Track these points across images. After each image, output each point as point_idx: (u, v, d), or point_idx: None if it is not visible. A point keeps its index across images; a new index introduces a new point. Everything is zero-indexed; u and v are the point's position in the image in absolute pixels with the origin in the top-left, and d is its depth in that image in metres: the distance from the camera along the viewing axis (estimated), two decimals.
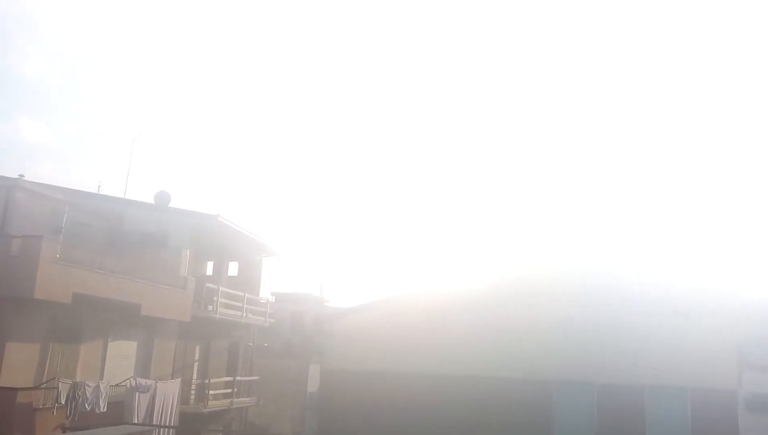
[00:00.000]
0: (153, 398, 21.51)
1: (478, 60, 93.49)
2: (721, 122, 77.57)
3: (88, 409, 18.46)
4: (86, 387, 18.49)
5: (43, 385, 18.11)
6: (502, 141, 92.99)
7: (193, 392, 26.60)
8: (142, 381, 21.30)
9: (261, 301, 32.15)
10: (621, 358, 17.72)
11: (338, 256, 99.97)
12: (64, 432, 18.06)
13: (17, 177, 21.08)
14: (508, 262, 19.93)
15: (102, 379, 19.96)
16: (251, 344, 32.16)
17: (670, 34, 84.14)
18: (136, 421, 20.28)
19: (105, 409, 19.08)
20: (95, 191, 26.96)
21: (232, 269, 31.84)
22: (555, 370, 17.94)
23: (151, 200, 27.55)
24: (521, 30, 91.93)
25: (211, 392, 26.83)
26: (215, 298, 26.54)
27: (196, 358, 27.20)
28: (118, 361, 21.78)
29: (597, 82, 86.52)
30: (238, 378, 29.69)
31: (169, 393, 22.53)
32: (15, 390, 16.81)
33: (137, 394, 20.80)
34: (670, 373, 17.48)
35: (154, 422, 21.27)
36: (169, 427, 22.37)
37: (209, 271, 30.51)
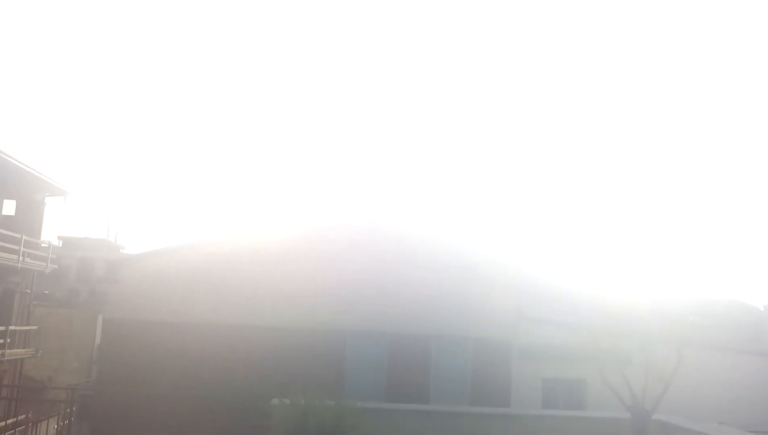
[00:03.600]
0: None
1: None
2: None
3: None
4: None
5: None
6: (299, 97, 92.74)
7: None
8: None
9: (42, 244, 29.62)
10: (411, 309, 18.42)
11: (138, 199, 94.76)
12: None
13: None
14: (303, 215, 19.83)
15: None
16: (29, 291, 29.62)
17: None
18: None
19: None
20: None
21: (8, 208, 28.97)
22: (348, 320, 18.21)
23: None
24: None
25: None
26: None
27: None
28: None
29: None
30: (11, 328, 27.25)
31: None
32: None
33: None
34: (455, 323, 18.51)
35: None
36: None
37: None
